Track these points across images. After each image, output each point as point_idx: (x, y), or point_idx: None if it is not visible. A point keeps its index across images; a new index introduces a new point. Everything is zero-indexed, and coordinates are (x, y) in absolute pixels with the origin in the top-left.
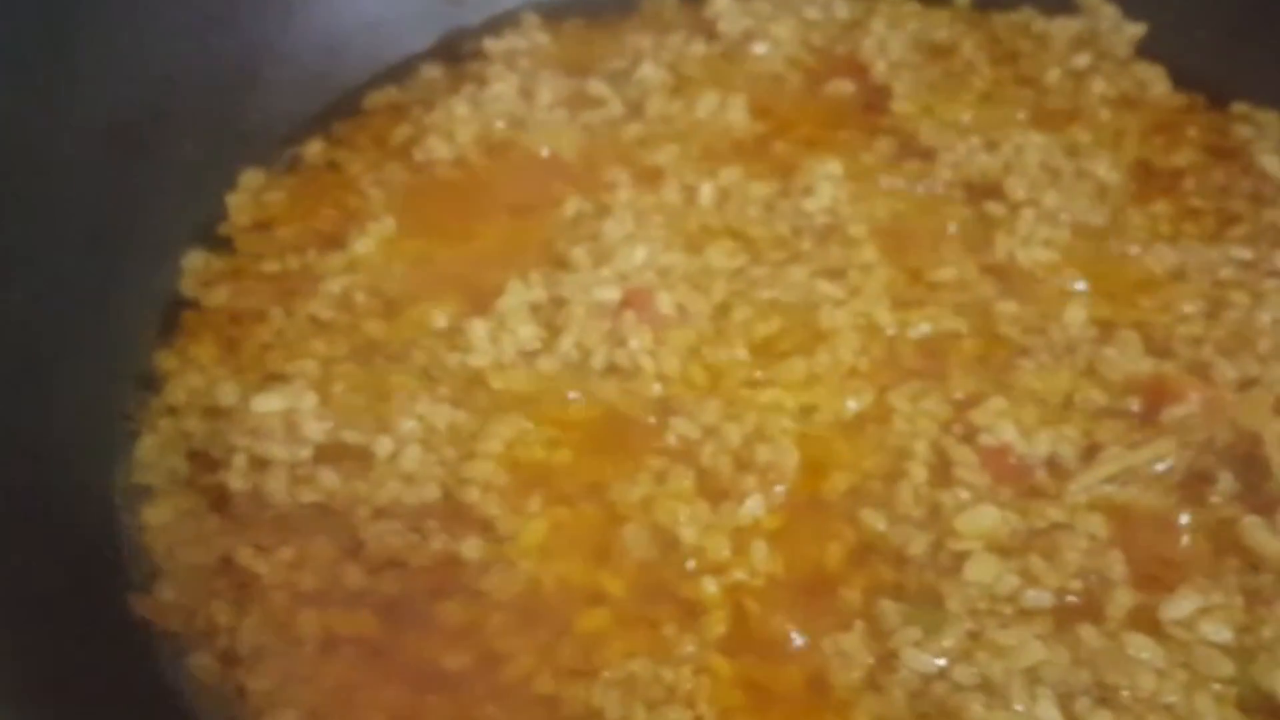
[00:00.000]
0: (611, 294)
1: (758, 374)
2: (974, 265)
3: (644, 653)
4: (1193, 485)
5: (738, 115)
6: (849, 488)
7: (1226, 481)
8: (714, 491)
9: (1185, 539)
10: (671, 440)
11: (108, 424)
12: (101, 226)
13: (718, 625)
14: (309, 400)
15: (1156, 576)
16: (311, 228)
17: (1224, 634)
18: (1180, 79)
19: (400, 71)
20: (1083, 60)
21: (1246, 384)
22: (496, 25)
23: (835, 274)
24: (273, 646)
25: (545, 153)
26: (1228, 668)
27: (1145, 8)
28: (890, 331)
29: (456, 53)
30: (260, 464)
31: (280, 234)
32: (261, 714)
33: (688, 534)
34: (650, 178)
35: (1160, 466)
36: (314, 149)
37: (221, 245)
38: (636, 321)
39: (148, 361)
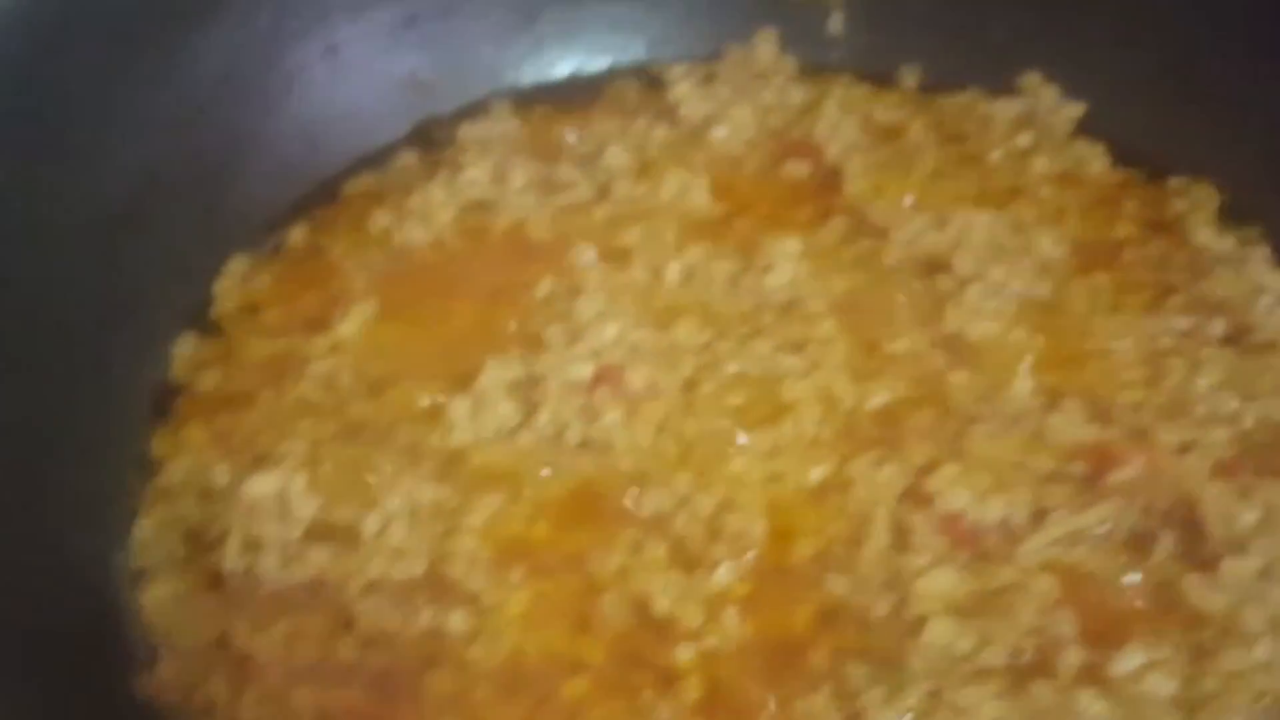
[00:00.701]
0: (584, 371)
1: (725, 446)
2: (926, 338)
3: (623, 718)
4: (1136, 546)
5: (700, 196)
6: (814, 554)
7: (1167, 541)
8: (686, 560)
9: (1131, 597)
10: (645, 512)
11: (106, 508)
12: (94, 316)
13: (692, 690)
14: (298, 481)
15: (1104, 633)
16: (297, 311)
17: (1169, 687)
18: (1119, 156)
19: (377, 159)
20: (1025, 140)
21: (1185, 448)
22: (469, 113)
23: (796, 347)
24: None
25: (519, 235)
26: (1174, 719)
27: (1084, 88)
28: (849, 402)
29: (431, 140)
30: (253, 544)
31: (267, 318)
32: None
33: (662, 603)
34: (619, 257)
35: (1105, 528)
36: (297, 235)
37: (211, 330)
38: (609, 397)
39: (143, 446)
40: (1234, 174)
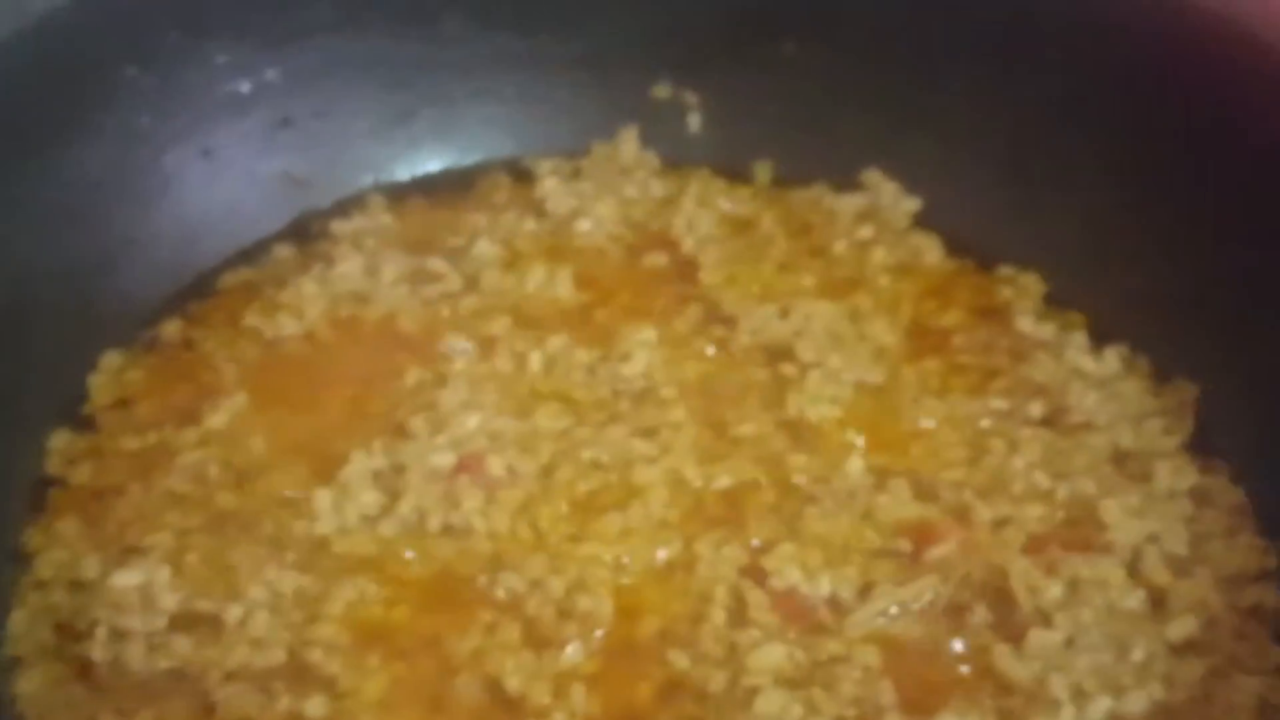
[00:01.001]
0: (447, 459)
1: (578, 529)
2: (770, 421)
3: None
4: (952, 617)
5: (564, 287)
6: (658, 631)
7: (981, 613)
8: (538, 640)
9: (946, 666)
10: (500, 594)
11: None
12: None
13: None
14: (163, 573)
15: (921, 701)
16: (169, 405)
17: None
18: (953, 246)
19: (253, 253)
20: (866, 232)
21: (1000, 524)
22: (344, 206)
23: (649, 433)
24: None
25: (389, 326)
26: None
27: (921, 185)
28: (696, 484)
29: (307, 234)
30: (120, 634)
31: (139, 412)
32: None
33: (513, 682)
34: (485, 347)
35: (925, 601)
36: (171, 329)
37: (85, 424)
38: (470, 484)
39: (16, 539)
40: (1057, 263)
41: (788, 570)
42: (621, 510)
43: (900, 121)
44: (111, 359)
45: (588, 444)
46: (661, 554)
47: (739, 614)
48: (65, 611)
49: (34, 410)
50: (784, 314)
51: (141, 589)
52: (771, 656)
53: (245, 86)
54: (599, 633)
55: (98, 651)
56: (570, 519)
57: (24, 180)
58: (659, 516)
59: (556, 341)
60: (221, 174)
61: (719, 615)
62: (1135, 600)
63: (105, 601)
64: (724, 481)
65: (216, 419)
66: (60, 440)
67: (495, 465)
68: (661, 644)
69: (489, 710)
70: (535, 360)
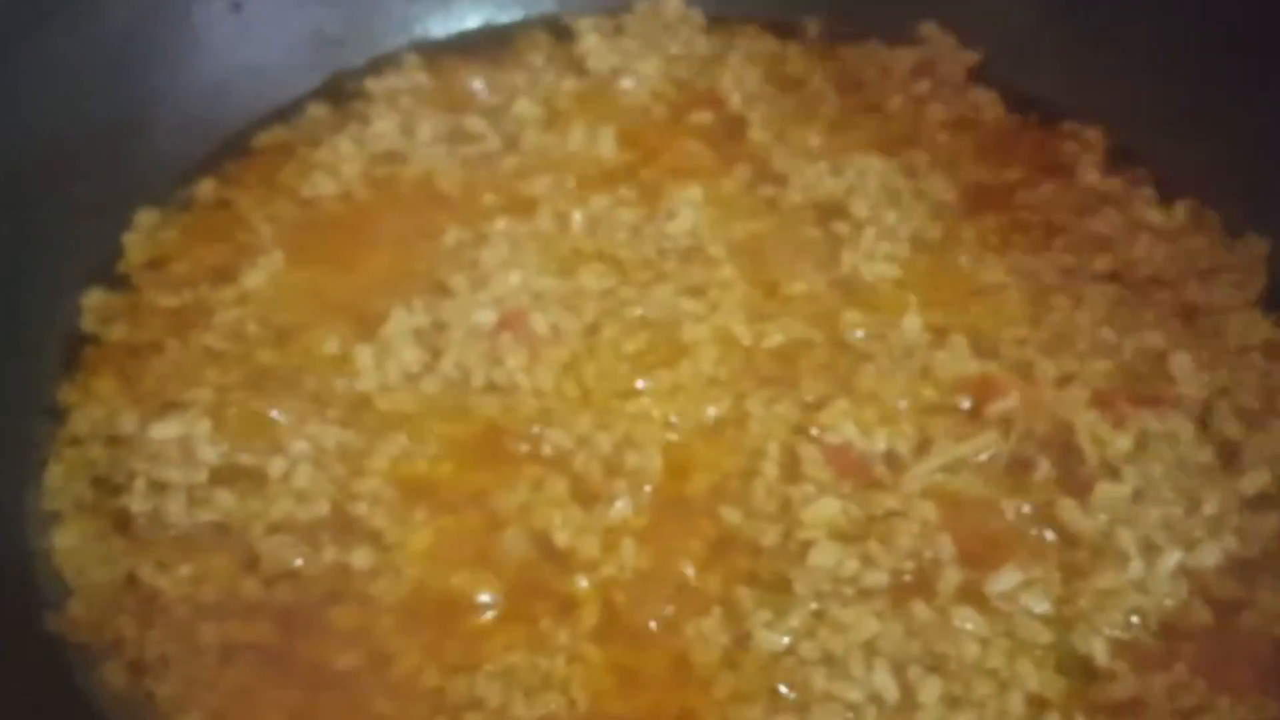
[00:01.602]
0: (489, 317)
1: (625, 387)
2: (823, 280)
3: (522, 646)
4: (1014, 472)
5: (607, 146)
6: (709, 487)
7: (1044, 468)
8: (585, 496)
9: (1008, 521)
10: (547, 450)
11: (16, 455)
12: (4, 271)
13: (590, 617)
14: (203, 426)
15: (982, 556)
16: (204, 263)
17: (1043, 605)
18: (1013, 102)
19: (287, 111)
20: (922, 87)
21: (1064, 380)
22: (378, 65)
23: (697, 292)
24: (177, 655)
25: (426, 186)
26: (1046, 635)
27: (980, 37)
28: (746, 342)
29: (341, 92)
30: (159, 487)
31: (175, 270)
32: (168, 717)
33: (561, 536)
34: (525, 207)
35: (985, 456)
36: (206, 188)
37: (119, 283)
38: (513, 342)
39: (52, 395)
40: (1123, 118)
41: (842, 426)
42: (670, 368)
43: None
44: (146, 217)
45: (633, 302)
46: (711, 411)
47: (792, 469)
48: (102, 466)
49: (69, 268)
50: (836, 171)
51: (181, 441)
52: (826, 510)
53: None
54: (648, 488)
55: (136, 504)
56: (617, 376)
57: (51, 37)
58: (708, 374)
59: (599, 201)
60: (252, 29)
61: (771, 471)
62: (1206, 454)
63: (144, 454)
64: (775, 339)
65: (253, 277)
66: (95, 298)
67: (539, 323)
68: (712, 500)
69: (537, 564)
70: (577, 219)
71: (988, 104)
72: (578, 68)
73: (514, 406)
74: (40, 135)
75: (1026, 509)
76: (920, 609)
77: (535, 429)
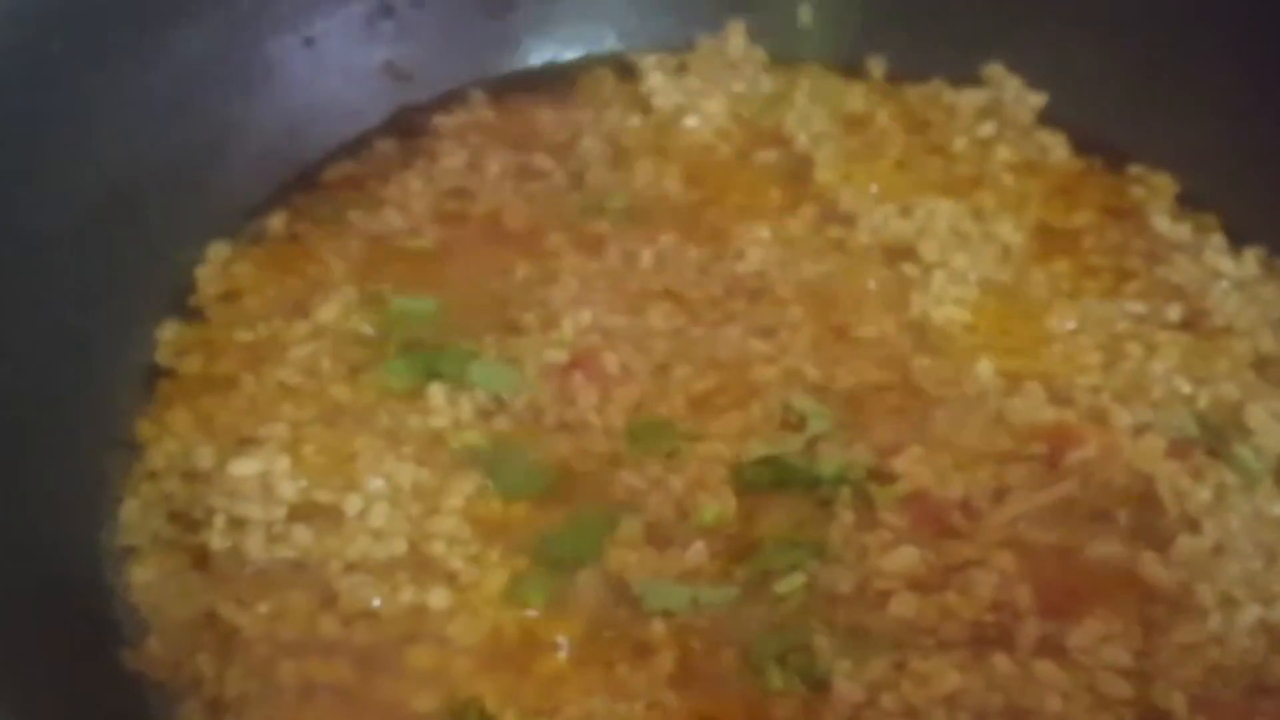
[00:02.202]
0: (560, 355)
1: (697, 428)
2: (893, 322)
3: (600, 691)
4: (1093, 523)
5: (673, 184)
6: (786, 539)
7: (1123, 519)
8: (659, 539)
9: (1087, 573)
10: (619, 492)
11: (93, 490)
12: (78, 303)
13: (666, 664)
14: (282, 463)
15: (1062, 606)
16: (277, 297)
17: (1123, 659)
18: (1080, 145)
19: (356, 147)
20: (988, 129)
21: (1141, 429)
22: (446, 102)
23: (766, 332)
24: (256, 694)
25: (495, 222)
26: (1127, 690)
27: (1046, 79)
28: (818, 384)
29: (409, 128)
30: (238, 524)
31: (248, 304)
32: None
33: (636, 580)
34: (593, 245)
35: (1064, 506)
36: (277, 222)
37: (194, 316)
38: (584, 381)
39: (128, 429)
40: (1191, 162)
41: (917, 473)
42: (740, 409)
43: (1022, 12)
44: (219, 250)
45: (703, 343)
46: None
47: (867, 515)
48: (180, 501)
49: (142, 301)
50: (904, 213)
51: (260, 478)
52: (904, 559)
53: None
54: (721, 533)
55: (215, 540)
56: (688, 417)
57: (127, 69)
58: (779, 417)
59: (667, 239)
60: (323, 63)
61: (847, 516)
62: None
63: (222, 490)
64: (846, 382)
65: (326, 312)
66: (169, 331)
67: (610, 362)
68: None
69: (610, 608)
70: (646, 258)
71: (1055, 146)
72: (643, 105)
73: (586, 447)
74: (115, 168)
75: (1106, 560)
76: (1001, 661)
77: (607, 470)
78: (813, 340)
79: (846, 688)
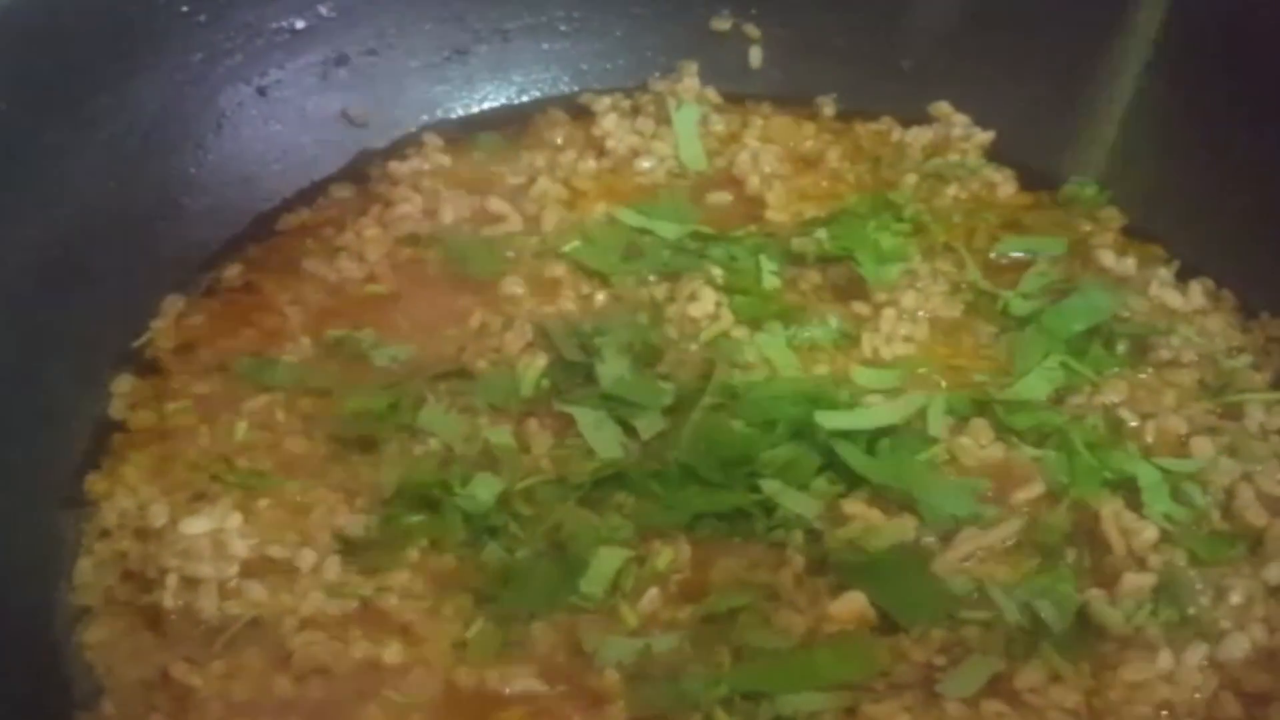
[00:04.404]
0: (514, 402)
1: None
2: (845, 360)
3: None
4: (1042, 561)
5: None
6: (736, 584)
7: (1071, 556)
8: (614, 586)
9: (1033, 611)
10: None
11: (46, 548)
12: (31, 358)
13: (619, 714)
14: (234, 519)
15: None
16: (233, 349)
17: (1072, 698)
18: (1027, 180)
19: (311, 194)
20: (937, 166)
21: (1088, 468)
22: (401, 147)
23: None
24: None
25: (451, 268)
26: None
27: (993, 116)
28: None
29: (364, 175)
30: (191, 583)
31: (203, 356)
32: None
33: (591, 629)
34: (549, 289)
35: (1011, 544)
36: (232, 273)
37: (148, 369)
38: (539, 427)
39: (80, 485)
40: (1137, 196)
41: (867, 514)
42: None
43: (969, 50)
44: (173, 303)
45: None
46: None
47: (818, 561)
48: (133, 560)
49: (96, 354)
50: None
51: (212, 536)
52: (853, 603)
53: (299, 22)
54: (677, 578)
55: (168, 600)
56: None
57: (79, 122)
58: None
59: (623, 283)
60: (277, 113)
61: (798, 561)
62: (1230, 543)
63: (175, 549)
64: None
65: (281, 363)
66: (124, 384)
67: (563, 408)
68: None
69: (565, 657)
70: (600, 300)
71: (1002, 182)
72: (597, 148)
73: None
74: (66, 222)
75: (1053, 599)
76: (952, 705)
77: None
78: (767, 379)
79: None
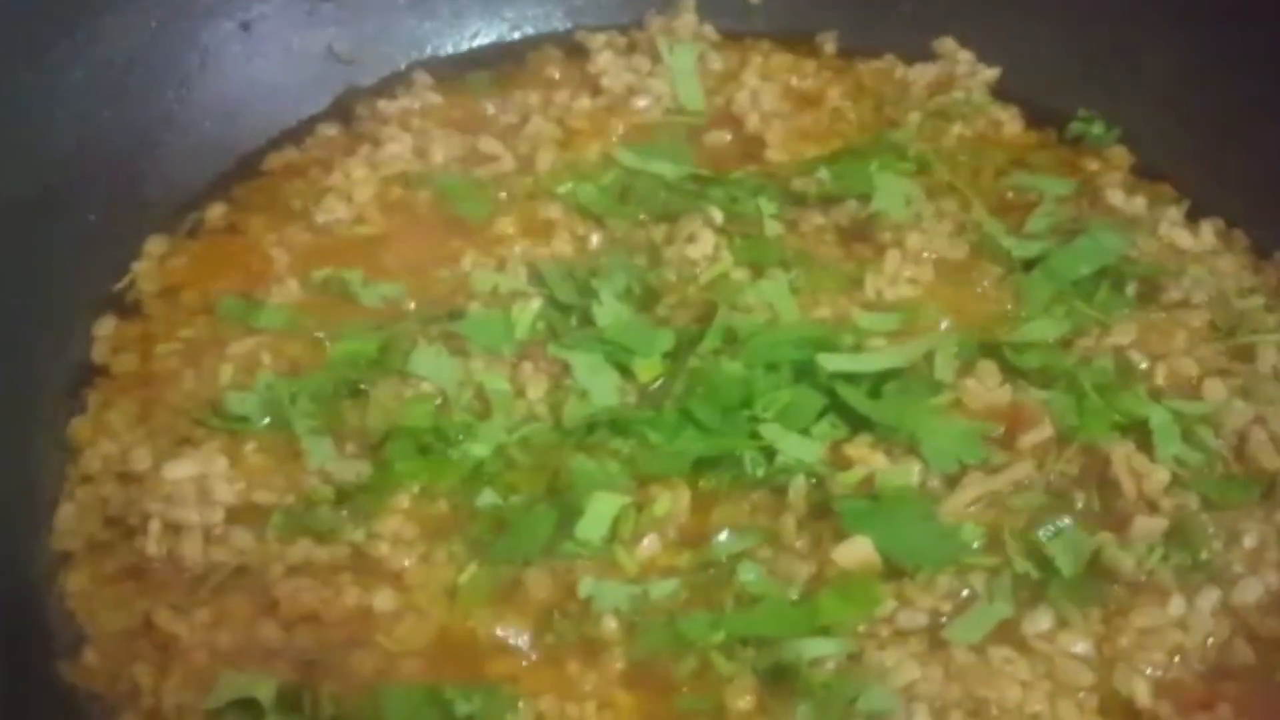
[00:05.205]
0: (508, 346)
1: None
2: (848, 303)
3: (550, 691)
4: (1051, 505)
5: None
6: (718, 523)
7: (1081, 501)
8: (611, 532)
9: (1045, 555)
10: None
11: (27, 493)
12: (10, 299)
13: (618, 662)
14: (219, 464)
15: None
16: (218, 291)
17: (1083, 645)
18: (1033, 118)
19: (297, 133)
20: (941, 104)
21: (1098, 410)
22: (390, 86)
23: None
24: (195, 704)
25: (442, 209)
26: (1088, 676)
27: (999, 52)
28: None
29: (352, 114)
30: (174, 528)
31: (187, 298)
32: None
33: (587, 576)
34: (542, 230)
35: (1022, 488)
36: (216, 213)
37: (131, 312)
38: (533, 371)
39: (63, 430)
40: (1146, 134)
41: (872, 458)
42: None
43: None
44: (156, 244)
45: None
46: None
47: (822, 505)
48: (116, 505)
49: (78, 297)
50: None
51: (197, 481)
52: (858, 549)
53: None
54: (674, 527)
55: (151, 546)
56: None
57: (59, 59)
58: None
59: (617, 223)
60: (261, 49)
61: (799, 505)
62: (1243, 485)
63: (158, 495)
64: None
65: (267, 306)
66: (106, 327)
67: (559, 351)
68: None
69: (560, 605)
70: (596, 242)
71: (1008, 120)
72: (591, 87)
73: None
74: (48, 161)
75: (1063, 543)
76: (959, 651)
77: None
78: (767, 322)
79: (805, 682)
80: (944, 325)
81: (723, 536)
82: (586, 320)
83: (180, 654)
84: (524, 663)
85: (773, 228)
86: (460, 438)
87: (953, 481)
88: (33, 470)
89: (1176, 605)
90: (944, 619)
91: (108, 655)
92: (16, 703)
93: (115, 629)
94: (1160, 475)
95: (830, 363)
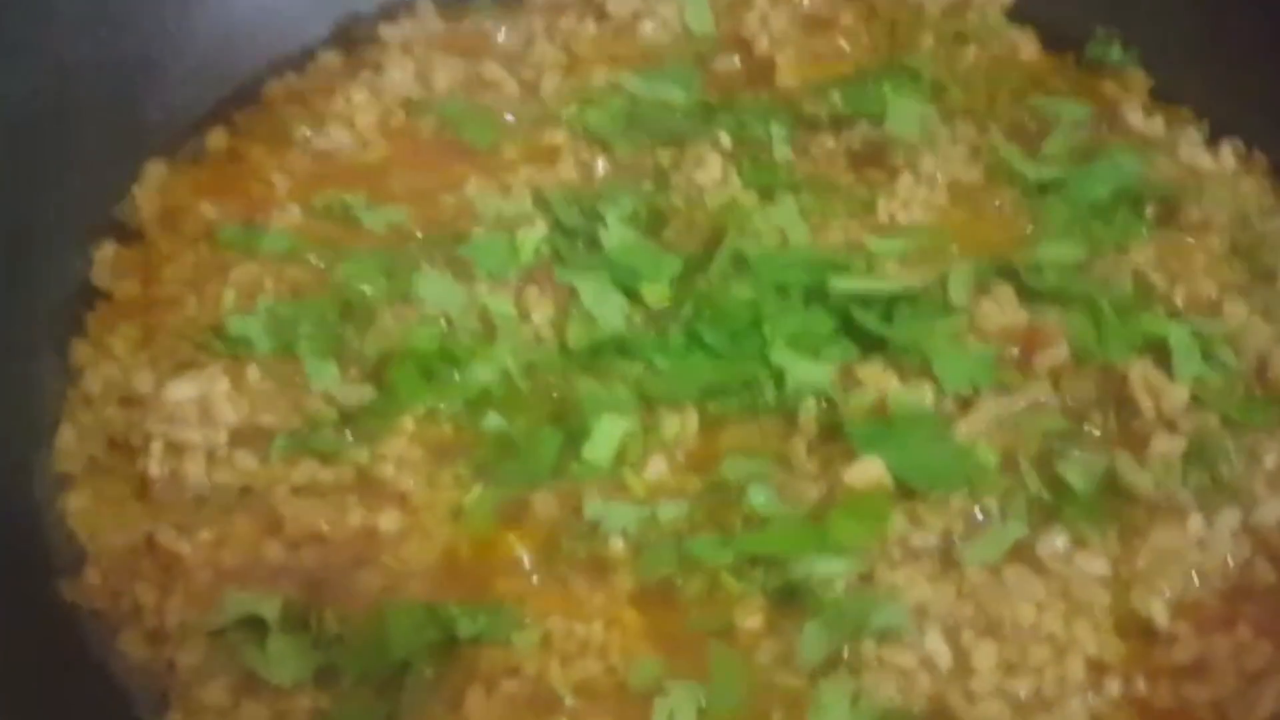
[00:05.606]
0: (513, 270)
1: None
2: (860, 228)
3: (558, 610)
4: (1068, 425)
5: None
6: (740, 452)
7: (1098, 421)
8: (619, 455)
9: (1060, 475)
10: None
11: (27, 415)
12: (10, 223)
13: (625, 582)
14: (222, 385)
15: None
16: (219, 217)
17: (1100, 565)
18: (1050, 41)
19: (298, 59)
20: (956, 27)
21: (1115, 329)
22: (392, 10)
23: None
24: (198, 623)
25: (445, 136)
26: (1104, 597)
27: None
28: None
29: (353, 39)
30: (177, 449)
31: (188, 224)
32: (190, 686)
33: (594, 497)
34: (548, 156)
35: (1037, 409)
36: (216, 139)
37: (131, 236)
38: (539, 295)
39: (64, 353)
40: (1165, 56)
41: (884, 379)
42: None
43: None
44: (156, 169)
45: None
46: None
47: (833, 427)
48: (117, 426)
49: (78, 221)
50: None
51: (199, 402)
52: (871, 470)
53: None
54: (682, 449)
55: (154, 467)
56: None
57: None
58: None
59: (624, 148)
60: None
61: (811, 428)
62: (1264, 405)
63: (160, 415)
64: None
65: (269, 231)
66: (107, 251)
67: (564, 276)
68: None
69: (568, 526)
70: (602, 168)
71: (1024, 43)
72: (597, 12)
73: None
74: (45, 82)
75: (1080, 464)
76: (972, 570)
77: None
78: (778, 248)
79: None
80: (957, 250)
81: (732, 460)
82: (593, 245)
83: (183, 573)
84: (530, 582)
85: (783, 152)
86: (465, 361)
87: (967, 404)
88: (32, 392)
89: (1196, 525)
90: (956, 540)
91: (109, 573)
92: (16, 620)
93: (117, 548)
94: (1179, 393)
95: (842, 284)
